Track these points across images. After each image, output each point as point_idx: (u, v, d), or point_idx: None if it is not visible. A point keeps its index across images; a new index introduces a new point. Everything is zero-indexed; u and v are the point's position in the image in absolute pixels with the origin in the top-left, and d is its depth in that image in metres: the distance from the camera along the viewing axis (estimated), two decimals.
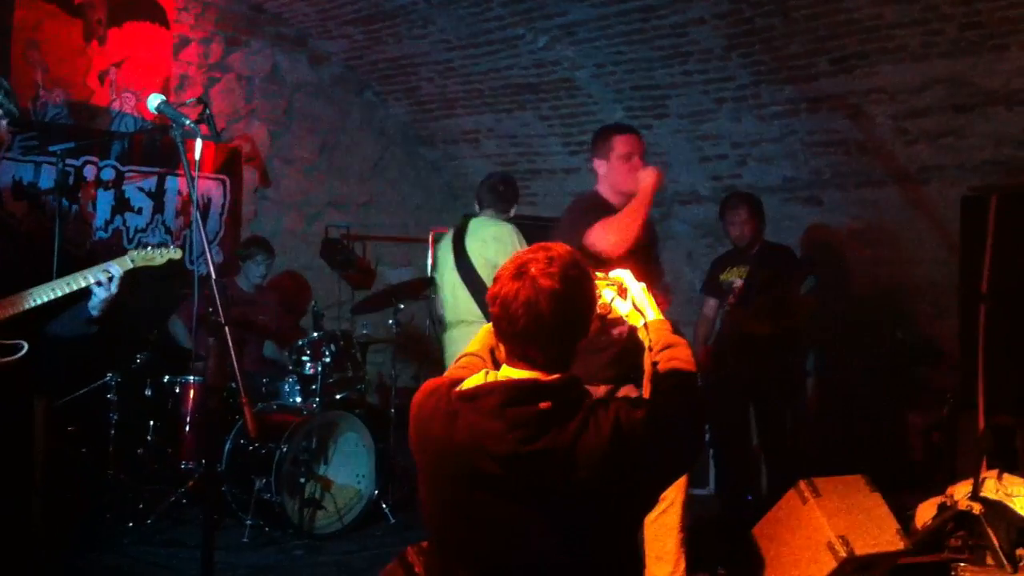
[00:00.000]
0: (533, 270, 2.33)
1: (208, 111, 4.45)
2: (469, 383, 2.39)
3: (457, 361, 2.63)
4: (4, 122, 3.86)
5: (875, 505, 4.60)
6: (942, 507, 4.87)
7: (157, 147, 6.83)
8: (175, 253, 4.34)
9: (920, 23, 5.29)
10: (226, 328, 3.32)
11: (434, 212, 8.54)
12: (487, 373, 2.42)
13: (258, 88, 7.53)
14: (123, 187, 6.76)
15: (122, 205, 6.76)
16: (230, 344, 3.31)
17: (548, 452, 2.25)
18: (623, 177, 4.32)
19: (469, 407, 2.31)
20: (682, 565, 4.09)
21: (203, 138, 3.72)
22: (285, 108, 7.71)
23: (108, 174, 6.68)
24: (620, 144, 4.37)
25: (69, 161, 6.35)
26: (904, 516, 4.79)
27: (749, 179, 6.84)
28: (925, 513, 4.94)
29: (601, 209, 4.27)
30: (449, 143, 8.29)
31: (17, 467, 4.10)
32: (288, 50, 7.63)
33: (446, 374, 2.56)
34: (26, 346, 3.73)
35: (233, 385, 5.55)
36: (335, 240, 7.65)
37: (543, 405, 2.29)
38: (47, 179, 6.27)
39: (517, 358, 2.37)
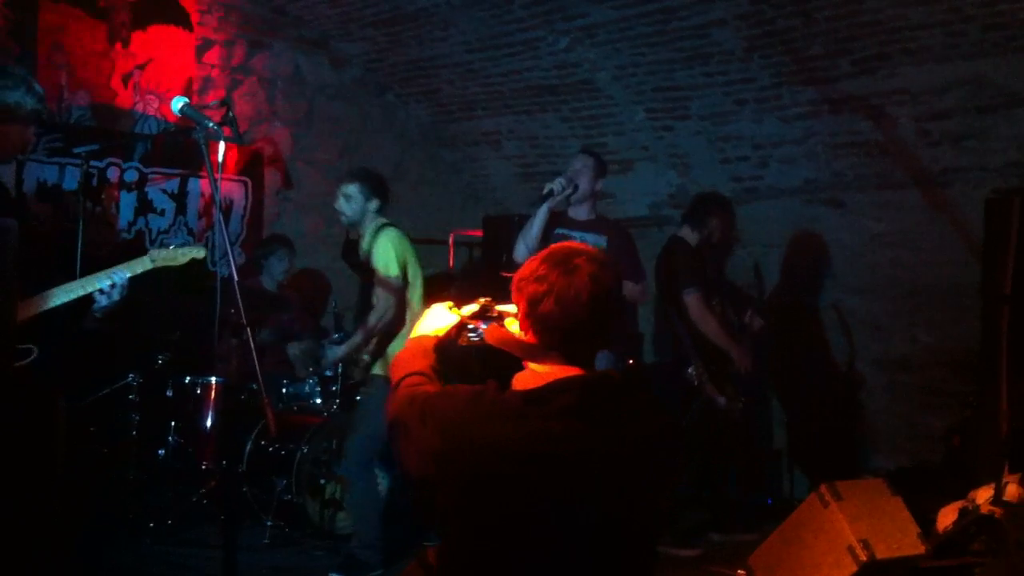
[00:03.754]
0: (584, 266, 2.33)
1: (231, 113, 4.48)
2: (521, 383, 2.38)
3: (404, 380, 2.52)
4: (32, 127, 3.91)
5: (896, 509, 4.59)
6: (963, 511, 4.83)
7: (180, 149, 6.87)
8: (198, 252, 4.31)
9: (943, 24, 5.26)
10: (248, 329, 3.33)
11: (454, 214, 8.54)
12: (534, 373, 2.39)
13: (280, 90, 7.56)
14: (146, 189, 6.80)
15: (145, 207, 6.80)
16: (252, 345, 3.32)
17: (627, 447, 2.27)
18: None
19: (538, 410, 2.27)
20: None
21: (226, 140, 3.73)
22: (307, 110, 7.74)
23: (131, 176, 6.73)
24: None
25: (93, 163, 6.41)
26: (925, 520, 4.77)
27: (770, 181, 6.82)
28: (946, 517, 4.91)
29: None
30: (469, 145, 8.29)
31: (38, 467, 4.13)
32: (310, 52, 7.65)
33: (448, 389, 2.46)
34: (36, 351, 3.76)
35: (254, 386, 5.56)
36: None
37: (619, 399, 2.31)
38: (71, 180, 6.32)
39: (562, 355, 2.37)
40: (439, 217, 8.46)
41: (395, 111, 8.22)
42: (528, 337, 2.41)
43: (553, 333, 2.36)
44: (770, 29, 5.77)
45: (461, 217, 8.44)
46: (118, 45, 6.59)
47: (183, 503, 5.61)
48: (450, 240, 8.03)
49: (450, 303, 2.66)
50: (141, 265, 4.17)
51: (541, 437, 2.24)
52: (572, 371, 2.35)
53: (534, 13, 6.31)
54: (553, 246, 2.44)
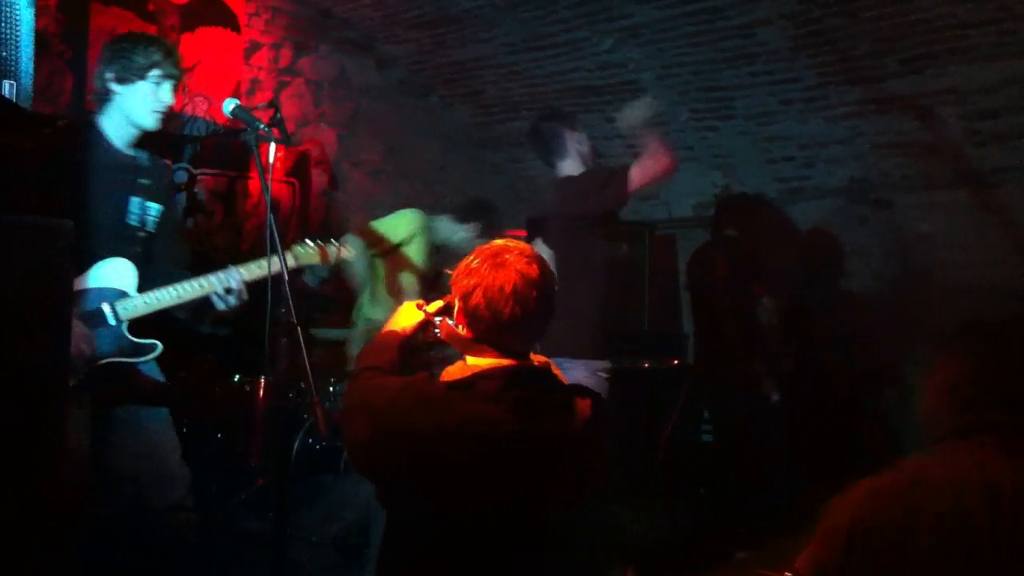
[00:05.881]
0: (512, 261, 2.42)
1: (279, 115, 4.52)
2: (451, 374, 2.48)
3: (363, 373, 2.59)
4: (169, 83, 3.94)
5: None
6: None
7: (228, 151, 6.94)
8: (348, 252, 4.43)
9: (992, 23, 5.22)
10: (298, 328, 3.38)
11: None
12: (464, 365, 2.49)
13: (326, 92, 7.63)
14: (195, 189, 6.89)
15: (195, 207, 6.88)
16: (302, 343, 3.37)
17: (546, 434, 2.35)
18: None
19: (463, 395, 2.36)
20: None
21: (275, 141, 3.78)
22: (352, 112, 7.80)
23: (180, 176, 6.81)
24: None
25: None
26: None
27: (816, 181, 6.78)
28: None
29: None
30: (513, 146, 8.32)
31: (40, 466, 4.16)
32: (355, 54, 7.71)
33: (382, 381, 2.52)
34: (160, 346, 3.80)
35: (303, 384, 5.59)
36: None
37: (541, 388, 2.42)
38: None
39: (494, 347, 2.45)
40: None
41: (439, 112, 8.27)
42: (464, 331, 2.50)
43: (482, 325, 2.44)
44: (816, 28, 5.74)
45: (504, 218, 8.45)
46: None
47: (231, 501, 5.67)
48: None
49: (419, 301, 2.79)
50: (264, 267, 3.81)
51: (462, 421, 2.32)
52: (505, 362, 2.43)
53: (578, 14, 6.33)
54: (488, 243, 2.53)
